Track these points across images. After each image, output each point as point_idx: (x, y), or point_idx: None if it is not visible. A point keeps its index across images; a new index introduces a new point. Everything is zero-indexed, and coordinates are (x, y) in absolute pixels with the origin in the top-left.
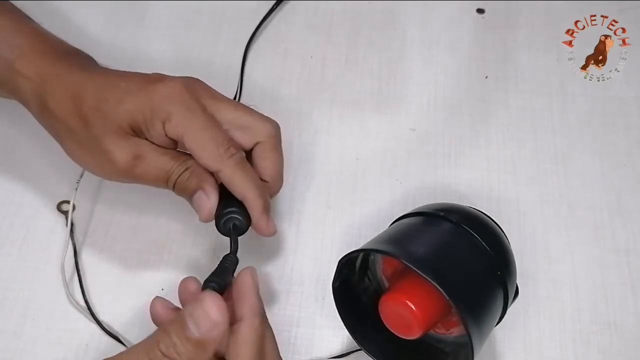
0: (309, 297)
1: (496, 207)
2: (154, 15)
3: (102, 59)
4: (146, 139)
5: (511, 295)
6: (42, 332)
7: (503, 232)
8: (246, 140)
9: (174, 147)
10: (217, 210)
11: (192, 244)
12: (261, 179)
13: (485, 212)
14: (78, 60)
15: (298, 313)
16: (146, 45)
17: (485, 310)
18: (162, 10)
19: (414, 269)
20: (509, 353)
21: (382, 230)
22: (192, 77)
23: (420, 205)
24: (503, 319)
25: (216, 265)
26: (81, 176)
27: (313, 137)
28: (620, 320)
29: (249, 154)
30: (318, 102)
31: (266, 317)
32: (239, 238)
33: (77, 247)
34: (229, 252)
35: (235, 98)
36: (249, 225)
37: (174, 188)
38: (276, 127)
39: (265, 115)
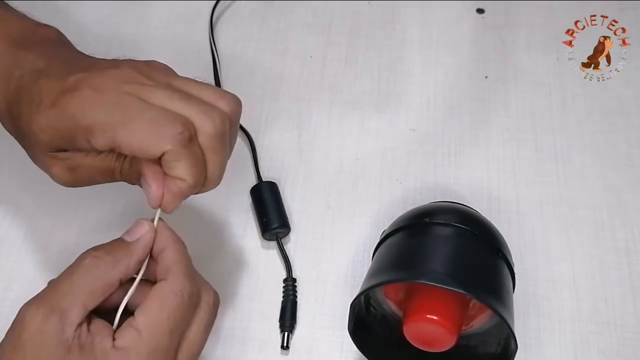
0: (308, 297)
1: (496, 207)
2: (154, 15)
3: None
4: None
5: (512, 262)
6: None
7: (477, 211)
8: None
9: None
10: (260, 223)
11: (192, 243)
12: None
13: (458, 202)
14: (33, 49)
15: (298, 313)
16: (146, 45)
17: (503, 290)
18: (162, 10)
19: (427, 283)
20: None
21: (381, 230)
22: (118, 66)
23: (420, 205)
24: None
25: (214, 264)
26: None
27: (313, 137)
28: (620, 320)
29: None
30: (318, 102)
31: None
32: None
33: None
34: None
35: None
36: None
37: (126, 181)
38: (221, 122)
39: (215, 95)
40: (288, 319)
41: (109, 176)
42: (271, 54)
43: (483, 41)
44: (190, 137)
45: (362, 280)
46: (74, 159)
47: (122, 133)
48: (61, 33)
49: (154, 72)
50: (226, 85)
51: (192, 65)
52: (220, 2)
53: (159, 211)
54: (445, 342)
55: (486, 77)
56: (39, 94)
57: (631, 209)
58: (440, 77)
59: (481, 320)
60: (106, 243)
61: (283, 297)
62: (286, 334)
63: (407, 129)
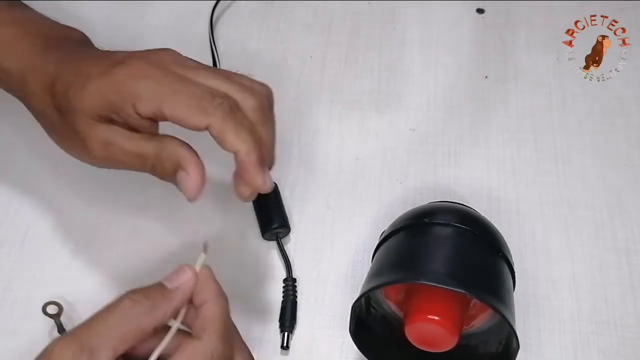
0: (308, 297)
1: (496, 207)
2: (154, 15)
3: None
4: (119, 125)
5: (512, 261)
6: (42, 332)
7: (477, 211)
8: None
9: (153, 129)
10: (260, 223)
11: (192, 243)
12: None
13: (458, 202)
14: (62, 46)
15: (298, 313)
16: (146, 45)
17: (503, 289)
18: (162, 10)
19: (427, 283)
20: None
21: (381, 230)
22: (161, 49)
23: (420, 205)
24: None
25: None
26: None
27: (313, 137)
28: (620, 320)
29: None
30: (318, 102)
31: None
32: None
33: (76, 247)
34: None
35: None
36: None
37: (154, 173)
38: (260, 98)
39: (250, 80)
40: (288, 319)
41: (141, 161)
42: (271, 54)
43: (483, 41)
44: (230, 107)
45: (362, 281)
46: (113, 133)
47: (168, 102)
48: (85, 35)
49: (195, 61)
50: None
51: None
52: (220, 2)
53: (202, 257)
54: (447, 342)
55: (486, 77)
56: (87, 68)
57: (631, 209)
58: (440, 77)
59: (482, 319)
60: (145, 287)
61: (283, 297)
62: (286, 334)
63: (407, 129)
